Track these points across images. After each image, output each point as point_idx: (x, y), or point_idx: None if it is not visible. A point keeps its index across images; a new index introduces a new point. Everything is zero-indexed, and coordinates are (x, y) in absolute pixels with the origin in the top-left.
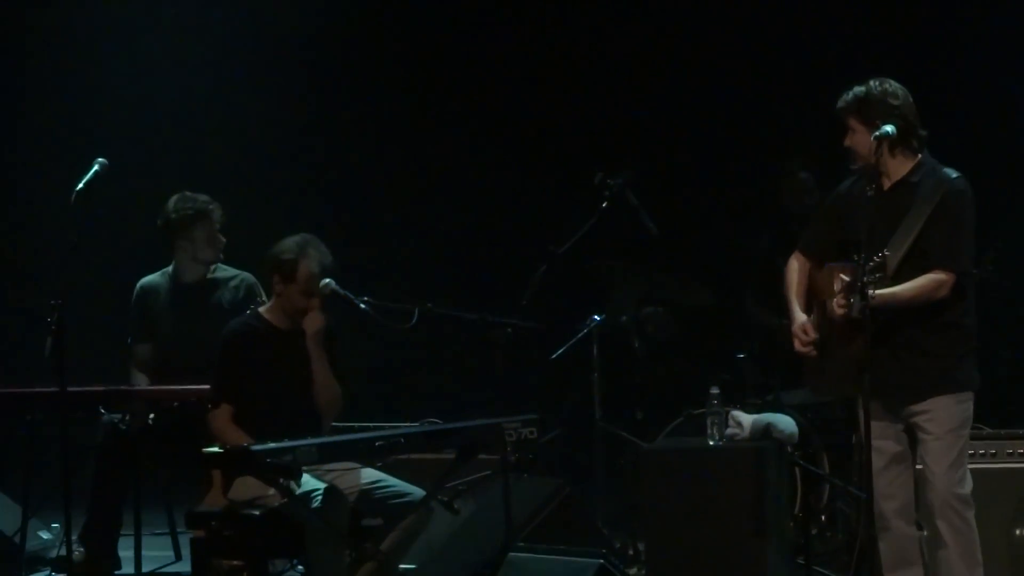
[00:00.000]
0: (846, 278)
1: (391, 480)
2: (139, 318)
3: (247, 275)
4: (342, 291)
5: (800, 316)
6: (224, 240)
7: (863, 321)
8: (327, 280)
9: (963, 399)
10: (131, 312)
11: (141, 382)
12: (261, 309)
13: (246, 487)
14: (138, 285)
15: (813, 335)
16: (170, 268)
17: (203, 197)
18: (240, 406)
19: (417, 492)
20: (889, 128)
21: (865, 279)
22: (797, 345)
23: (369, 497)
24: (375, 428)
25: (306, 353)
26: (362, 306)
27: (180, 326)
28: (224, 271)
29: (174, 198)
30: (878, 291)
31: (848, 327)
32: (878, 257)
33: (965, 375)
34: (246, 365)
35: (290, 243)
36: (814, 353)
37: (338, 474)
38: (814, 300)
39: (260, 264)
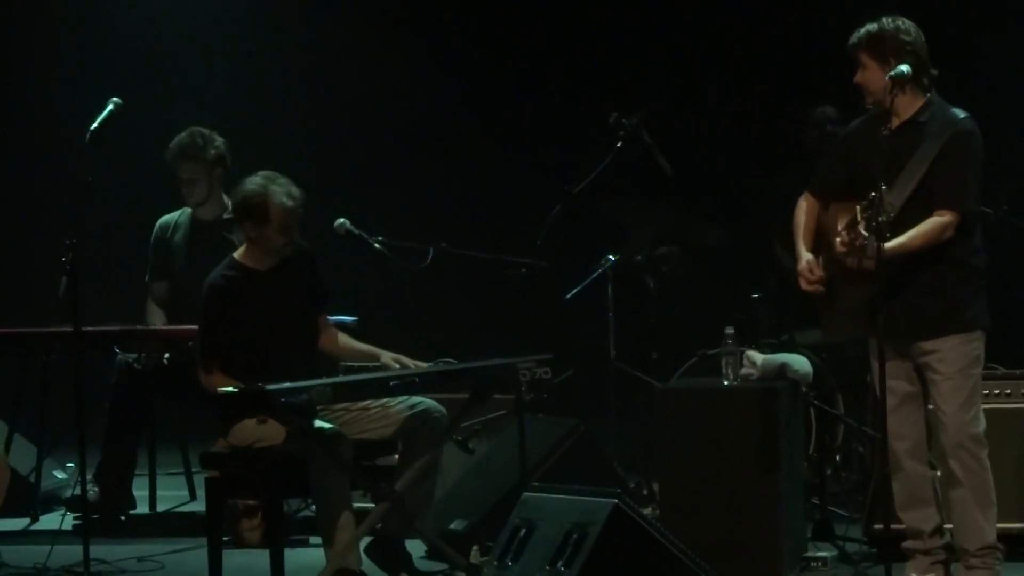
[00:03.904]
0: (847, 218)
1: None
2: (155, 255)
3: None
4: (356, 230)
5: (806, 255)
6: (209, 180)
7: (877, 261)
8: (341, 220)
9: (972, 338)
10: (150, 249)
11: (156, 318)
12: (236, 254)
13: (244, 432)
14: (157, 223)
15: (819, 273)
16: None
17: (186, 136)
18: (232, 354)
19: (429, 402)
20: (904, 68)
21: (880, 219)
22: (803, 284)
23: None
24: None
25: (289, 289)
26: (376, 245)
27: (193, 263)
28: None
29: None
30: (887, 244)
31: (855, 266)
32: (872, 195)
33: (974, 314)
34: (232, 317)
35: (251, 185)
36: (820, 290)
37: (352, 419)
38: (822, 241)
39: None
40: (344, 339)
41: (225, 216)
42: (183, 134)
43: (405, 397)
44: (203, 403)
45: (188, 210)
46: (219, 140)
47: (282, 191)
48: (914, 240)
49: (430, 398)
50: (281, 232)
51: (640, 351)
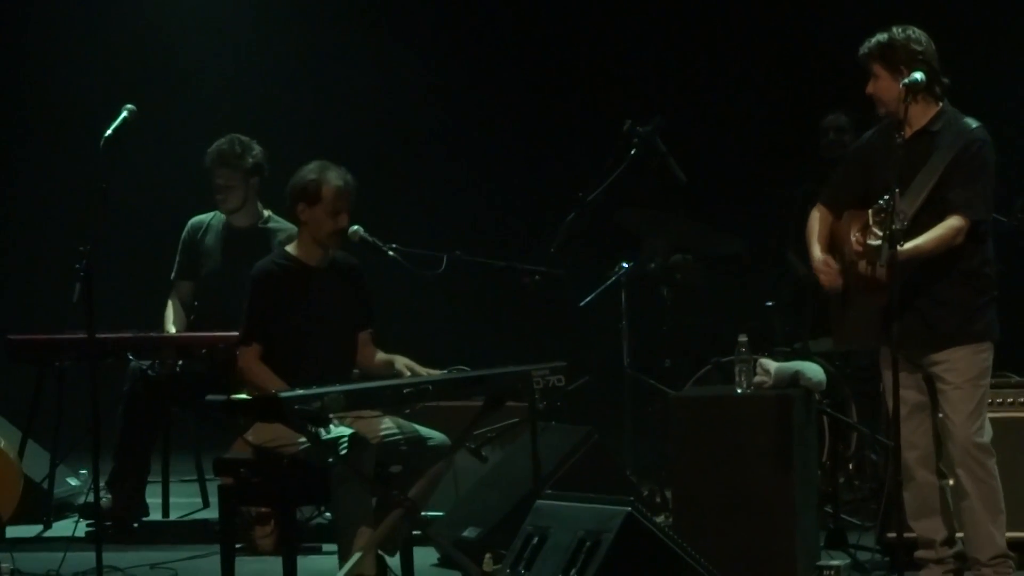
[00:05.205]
0: (860, 223)
1: (407, 426)
2: (184, 255)
3: (295, 230)
4: (370, 238)
5: (820, 254)
6: (244, 188)
7: (890, 269)
8: (356, 227)
9: (981, 349)
10: (179, 248)
11: (176, 317)
12: (288, 247)
13: (265, 431)
14: (188, 222)
15: (835, 265)
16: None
17: (224, 142)
18: (270, 345)
19: (437, 436)
20: (919, 75)
21: (894, 226)
22: (822, 279)
23: (387, 445)
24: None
25: (334, 290)
26: (390, 253)
27: (224, 269)
28: (276, 222)
29: None
30: (901, 247)
31: (867, 276)
32: (882, 202)
33: (984, 326)
34: (275, 304)
35: (306, 169)
36: (840, 283)
37: (362, 421)
38: (835, 251)
39: (284, 199)
40: (379, 355)
41: (259, 225)
42: (222, 140)
43: (405, 430)
44: (216, 410)
45: (220, 214)
46: (257, 149)
47: (335, 174)
48: (928, 242)
49: (444, 405)
50: (331, 215)
51: (654, 359)
